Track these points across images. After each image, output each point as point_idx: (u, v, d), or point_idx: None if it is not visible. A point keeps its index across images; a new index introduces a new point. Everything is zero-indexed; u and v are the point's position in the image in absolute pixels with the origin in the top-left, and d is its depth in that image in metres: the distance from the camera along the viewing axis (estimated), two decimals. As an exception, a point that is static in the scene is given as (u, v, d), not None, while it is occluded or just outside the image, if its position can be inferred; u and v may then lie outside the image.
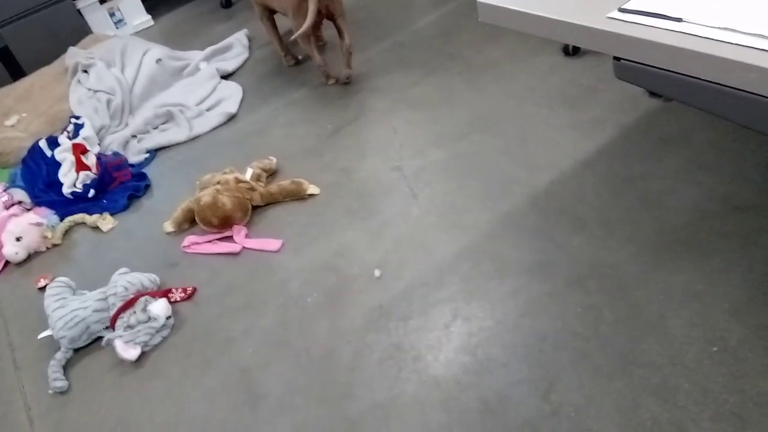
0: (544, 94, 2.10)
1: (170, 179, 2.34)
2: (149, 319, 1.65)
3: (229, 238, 1.92)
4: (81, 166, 2.33)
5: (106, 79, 2.77)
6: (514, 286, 1.49)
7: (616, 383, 1.23)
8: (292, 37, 2.46)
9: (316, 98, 2.52)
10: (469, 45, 2.52)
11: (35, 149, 2.49)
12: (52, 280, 1.90)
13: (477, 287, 1.52)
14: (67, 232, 2.21)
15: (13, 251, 2.09)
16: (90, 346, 1.71)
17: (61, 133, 2.54)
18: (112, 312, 1.68)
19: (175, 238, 2.01)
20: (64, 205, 2.27)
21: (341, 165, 2.09)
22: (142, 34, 3.69)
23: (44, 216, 2.20)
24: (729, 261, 1.38)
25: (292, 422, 1.36)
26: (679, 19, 0.84)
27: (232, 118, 2.58)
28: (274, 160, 2.16)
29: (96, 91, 2.74)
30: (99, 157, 2.40)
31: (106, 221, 2.18)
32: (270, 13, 2.69)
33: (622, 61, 0.92)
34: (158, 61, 2.89)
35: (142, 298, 1.70)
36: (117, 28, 3.71)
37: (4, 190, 2.36)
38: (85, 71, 2.86)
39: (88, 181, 2.30)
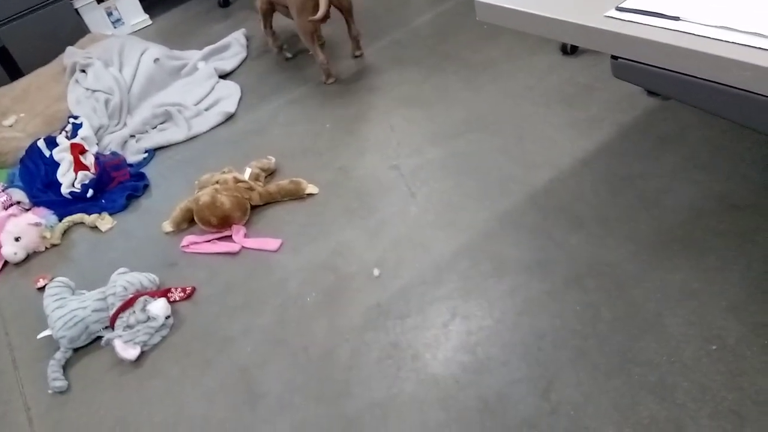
0: (542, 93, 2.10)
1: (169, 179, 2.34)
2: (148, 318, 1.65)
3: (228, 238, 1.92)
4: (79, 166, 2.33)
5: (104, 79, 2.76)
6: (512, 285, 1.49)
7: (615, 381, 1.23)
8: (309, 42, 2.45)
9: (314, 97, 2.52)
10: (466, 44, 2.52)
11: (34, 149, 2.48)
12: (51, 280, 1.90)
13: (475, 286, 1.52)
14: (65, 232, 2.21)
15: (12, 251, 2.09)
16: (89, 345, 1.71)
17: (60, 133, 2.53)
18: (112, 312, 1.68)
19: (173, 237, 2.01)
20: (62, 205, 2.27)
21: (340, 163, 2.09)
22: (140, 33, 3.68)
23: (43, 216, 2.19)
24: (725, 259, 1.38)
25: (291, 421, 1.36)
26: (676, 18, 0.84)
27: (230, 117, 2.58)
28: (273, 159, 2.16)
29: (94, 91, 2.74)
30: (97, 157, 2.40)
31: (104, 221, 2.18)
32: (270, 5, 2.67)
33: (619, 59, 0.92)
34: (156, 60, 2.88)
35: (142, 298, 1.70)
36: (115, 27, 3.70)
37: (3, 190, 2.35)
38: (83, 71, 2.86)
39: (87, 181, 2.30)
